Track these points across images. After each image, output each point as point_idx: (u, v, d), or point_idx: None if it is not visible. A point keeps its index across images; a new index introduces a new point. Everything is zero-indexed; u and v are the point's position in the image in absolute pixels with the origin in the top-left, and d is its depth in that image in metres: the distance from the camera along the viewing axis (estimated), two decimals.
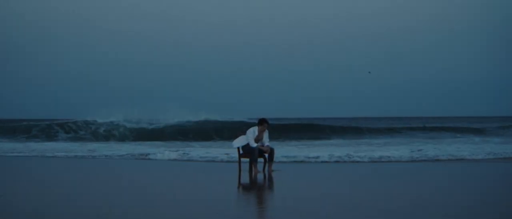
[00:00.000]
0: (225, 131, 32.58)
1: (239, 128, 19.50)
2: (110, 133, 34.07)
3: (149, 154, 20.05)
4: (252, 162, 13.91)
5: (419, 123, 49.87)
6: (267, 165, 14.09)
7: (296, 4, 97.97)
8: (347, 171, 15.02)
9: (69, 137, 33.65)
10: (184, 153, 20.04)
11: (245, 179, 12.96)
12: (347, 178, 13.42)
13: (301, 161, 17.53)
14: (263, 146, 14.06)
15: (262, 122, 14.03)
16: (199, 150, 21.34)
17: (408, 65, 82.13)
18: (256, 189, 11.58)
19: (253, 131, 14.02)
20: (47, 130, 34.72)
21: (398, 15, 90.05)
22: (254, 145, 13.93)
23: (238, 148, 14.29)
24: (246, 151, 14.07)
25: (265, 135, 14.13)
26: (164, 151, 20.52)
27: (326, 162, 17.45)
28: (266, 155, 14.10)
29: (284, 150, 20.20)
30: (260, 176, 13.30)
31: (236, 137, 14.50)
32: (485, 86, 74.02)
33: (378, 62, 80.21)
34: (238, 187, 11.83)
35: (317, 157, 18.16)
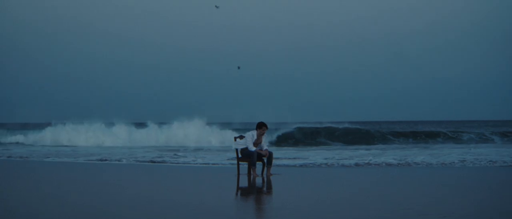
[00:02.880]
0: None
1: None
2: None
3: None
4: (251, 166, 13.76)
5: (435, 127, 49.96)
6: (265, 169, 13.93)
7: (303, 8, 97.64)
8: (348, 176, 14.83)
9: None
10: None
11: (244, 183, 12.80)
12: (349, 182, 13.22)
13: (302, 165, 17.36)
14: (262, 149, 13.90)
15: (261, 126, 13.88)
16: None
17: (415, 68, 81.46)
18: (255, 193, 11.41)
19: (251, 135, 13.88)
20: None
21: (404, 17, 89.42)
22: (253, 148, 13.78)
23: (237, 151, 14.14)
24: (245, 154, 13.93)
25: (264, 139, 13.97)
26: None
27: (327, 166, 17.27)
28: (265, 159, 13.94)
29: (280, 153, 20.03)
30: (258, 180, 13.14)
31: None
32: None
33: (380, 66, 79.84)
34: (237, 191, 11.66)
35: (320, 162, 17.99)
